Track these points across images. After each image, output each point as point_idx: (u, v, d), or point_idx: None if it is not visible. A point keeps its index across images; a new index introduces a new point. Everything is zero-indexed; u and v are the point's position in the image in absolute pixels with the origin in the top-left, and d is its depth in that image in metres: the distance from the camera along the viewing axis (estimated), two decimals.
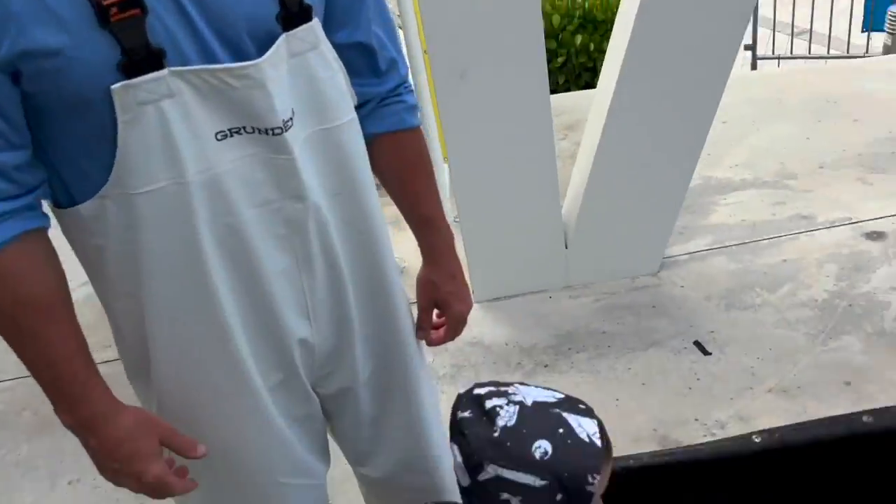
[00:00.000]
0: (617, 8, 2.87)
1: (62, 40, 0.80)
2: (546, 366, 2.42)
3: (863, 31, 5.73)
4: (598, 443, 0.98)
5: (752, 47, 5.44)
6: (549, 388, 1.05)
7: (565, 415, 1.00)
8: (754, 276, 2.70)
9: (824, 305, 2.51)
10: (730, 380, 2.28)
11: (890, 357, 2.28)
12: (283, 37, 0.92)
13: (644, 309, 2.60)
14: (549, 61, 2.67)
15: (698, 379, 2.30)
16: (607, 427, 1.02)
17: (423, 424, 1.25)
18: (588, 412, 1.02)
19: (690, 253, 2.86)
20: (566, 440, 0.97)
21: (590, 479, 0.96)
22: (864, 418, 1.32)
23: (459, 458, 1.00)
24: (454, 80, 2.26)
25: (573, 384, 2.30)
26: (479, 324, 2.58)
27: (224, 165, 0.91)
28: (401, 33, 2.63)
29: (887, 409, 1.34)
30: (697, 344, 2.43)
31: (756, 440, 1.28)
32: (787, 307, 2.53)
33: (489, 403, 1.00)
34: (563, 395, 1.05)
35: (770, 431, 1.33)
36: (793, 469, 1.34)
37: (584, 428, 0.99)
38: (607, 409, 1.46)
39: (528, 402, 1.00)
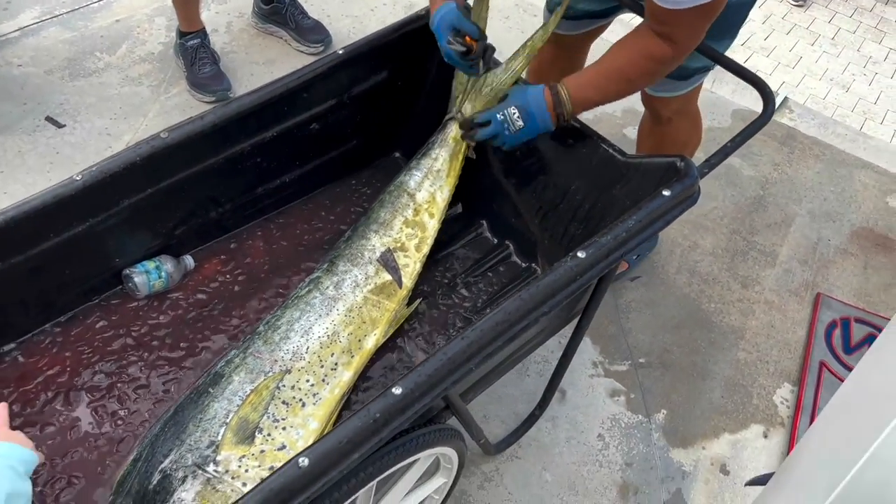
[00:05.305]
0: None
1: None
2: None
3: None
4: None
5: None
6: None
7: None
8: (92, 41, 2.73)
9: (161, 57, 2.71)
10: (89, 145, 2.38)
11: None
12: None
13: None
14: None
15: (58, 153, 2.35)
16: None
17: None
18: None
19: (21, 28, 2.73)
20: None
21: None
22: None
23: None
24: None
25: None
26: None
27: None
28: None
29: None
30: (50, 119, 2.44)
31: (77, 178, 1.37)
32: (129, 65, 2.67)
33: None
34: None
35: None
36: None
37: None
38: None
39: None
